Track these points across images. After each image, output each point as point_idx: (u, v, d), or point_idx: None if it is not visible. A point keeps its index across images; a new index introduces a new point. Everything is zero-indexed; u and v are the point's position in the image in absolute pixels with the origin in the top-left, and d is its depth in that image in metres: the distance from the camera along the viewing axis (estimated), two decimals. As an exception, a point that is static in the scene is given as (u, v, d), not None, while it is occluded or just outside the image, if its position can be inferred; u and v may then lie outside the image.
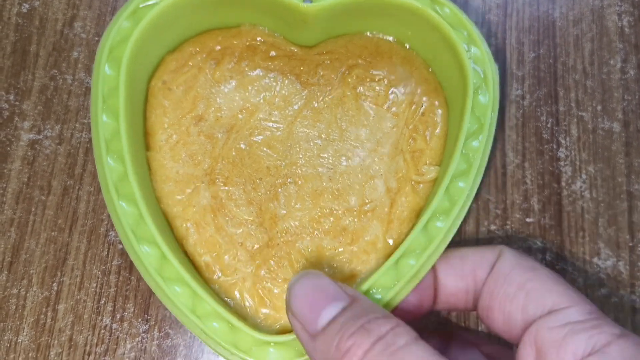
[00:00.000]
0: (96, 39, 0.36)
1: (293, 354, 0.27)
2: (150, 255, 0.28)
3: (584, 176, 0.35)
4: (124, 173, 0.28)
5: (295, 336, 0.26)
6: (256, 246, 0.31)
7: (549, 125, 0.36)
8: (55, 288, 0.32)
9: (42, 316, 0.31)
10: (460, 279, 0.28)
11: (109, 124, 0.29)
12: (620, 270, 0.33)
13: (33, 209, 0.33)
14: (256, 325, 0.29)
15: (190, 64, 0.33)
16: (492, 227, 0.34)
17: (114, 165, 0.28)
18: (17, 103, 0.34)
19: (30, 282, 0.32)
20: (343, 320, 0.22)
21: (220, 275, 0.30)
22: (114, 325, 0.31)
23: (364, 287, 0.28)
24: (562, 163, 0.35)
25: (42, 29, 0.36)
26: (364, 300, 0.24)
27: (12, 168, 0.33)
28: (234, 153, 0.32)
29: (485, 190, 0.34)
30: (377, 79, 0.33)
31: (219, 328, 0.27)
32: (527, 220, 0.34)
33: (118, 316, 0.31)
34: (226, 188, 0.31)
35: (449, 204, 0.29)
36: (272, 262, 0.31)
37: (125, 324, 0.31)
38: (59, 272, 0.32)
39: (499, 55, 0.37)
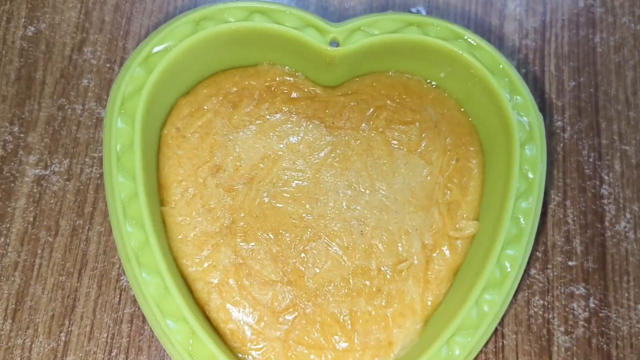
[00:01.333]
0: (107, 65, 0.33)
1: None
2: (178, 331, 0.25)
3: (628, 215, 0.32)
4: (145, 240, 0.25)
5: None
6: (284, 309, 0.28)
7: (591, 160, 0.33)
8: (63, 338, 0.29)
9: (49, 369, 0.29)
10: None
11: (125, 184, 0.25)
12: (668, 318, 0.31)
13: (39, 252, 0.30)
14: None
15: (206, 107, 0.29)
16: (532, 272, 0.31)
17: (134, 232, 0.25)
18: (21, 135, 0.31)
19: (36, 332, 0.29)
20: None
21: (248, 343, 0.27)
22: (127, 380, 0.29)
23: None
24: (605, 201, 0.33)
25: (49, 54, 0.33)
26: None
27: (17, 206, 0.30)
28: (256, 207, 0.29)
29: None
30: (407, 122, 0.30)
31: None
32: (569, 263, 0.31)
33: (131, 369, 0.29)
34: (249, 246, 0.28)
35: (501, 275, 0.26)
36: (302, 327, 0.27)
37: (139, 378, 0.29)
38: (67, 321, 0.29)
39: (537, 84, 0.34)
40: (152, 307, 0.24)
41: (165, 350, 0.29)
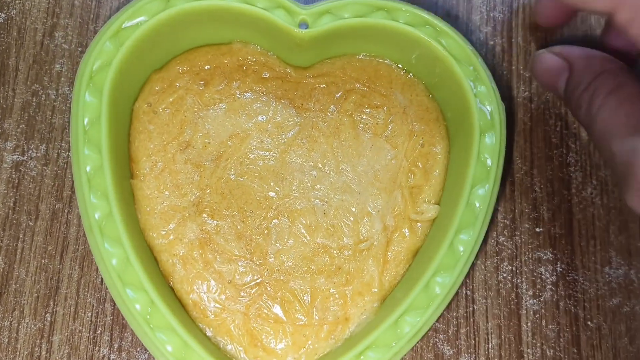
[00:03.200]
0: (79, 49, 0.32)
1: None
2: (137, 300, 0.25)
3: (594, 182, 0.33)
4: (109, 211, 0.25)
5: None
6: (246, 284, 0.28)
7: (558, 129, 0.33)
8: (49, 319, 0.29)
9: (37, 349, 0.29)
10: None
11: (90, 157, 0.26)
12: (632, 279, 0.32)
13: (21, 236, 0.30)
14: None
15: (178, 84, 0.29)
16: (501, 239, 0.32)
17: (98, 203, 0.25)
18: (-2, 122, 0.32)
19: (22, 314, 0.29)
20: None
21: (209, 314, 0.28)
22: (112, 356, 0.29)
23: (364, 343, 0.25)
24: (572, 169, 0.33)
25: (21, 40, 0.33)
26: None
27: (-3, 192, 0.31)
28: (223, 184, 0.29)
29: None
30: (375, 106, 0.30)
31: None
32: (537, 230, 0.32)
33: (116, 346, 0.29)
34: (214, 222, 0.28)
35: (453, 259, 0.26)
36: (263, 302, 0.28)
37: (124, 354, 0.29)
38: (51, 302, 0.30)
39: (505, 56, 0.34)
40: (113, 277, 0.25)
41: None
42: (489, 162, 0.27)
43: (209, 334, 0.28)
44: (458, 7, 0.34)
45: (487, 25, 0.34)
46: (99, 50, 0.27)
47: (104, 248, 0.25)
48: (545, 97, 0.33)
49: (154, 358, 0.29)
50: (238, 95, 0.30)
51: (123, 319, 0.30)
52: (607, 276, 0.32)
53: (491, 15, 0.34)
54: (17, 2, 0.33)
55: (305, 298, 0.28)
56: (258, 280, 0.28)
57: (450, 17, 0.34)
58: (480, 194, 0.27)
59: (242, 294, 0.28)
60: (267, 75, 0.30)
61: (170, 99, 0.29)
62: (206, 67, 0.30)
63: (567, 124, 0.33)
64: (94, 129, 0.26)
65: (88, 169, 0.26)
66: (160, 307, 0.25)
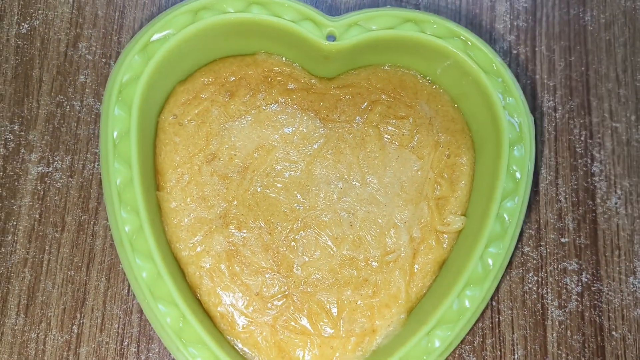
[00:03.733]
0: (103, 60, 0.32)
1: None
2: (168, 314, 0.25)
3: (619, 191, 0.33)
4: (139, 226, 0.25)
5: None
6: (273, 296, 0.28)
7: (582, 138, 0.33)
8: (76, 330, 0.29)
9: (64, 360, 0.30)
10: None
11: (120, 171, 0.26)
12: (658, 289, 0.32)
13: (47, 247, 0.30)
14: None
15: (203, 95, 0.29)
16: (526, 249, 0.32)
17: (128, 217, 0.25)
18: (22, 133, 0.31)
19: (49, 325, 0.29)
20: None
21: (237, 327, 0.28)
22: (139, 368, 0.30)
23: (394, 358, 0.25)
24: (596, 178, 0.33)
25: (45, 51, 0.33)
26: None
27: (22, 204, 0.30)
28: (249, 196, 0.29)
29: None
30: (401, 117, 0.30)
31: None
32: (562, 240, 0.32)
33: (142, 357, 0.29)
34: (241, 233, 0.28)
35: (483, 272, 0.26)
36: (290, 314, 0.28)
37: (151, 366, 0.30)
38: (78, 314, 0.30)
39: (529, 65, 0.34)
40: (145, 291, 0.25)
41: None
42: (517, 174, 0.27)
43: (237, 346, 0.28)
44: (482, 15, 0.34)
45: (510, 34, 0.34)
46: (127, 63, 0.27)
47: (135, 262, 0.25)
48: (569, 106, 0.33)
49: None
50: (264, 107, 0.30)
51: (150, 330, 0.30)
52: (631, 286, 0.32)
53: (515, 24, 0.34)
54: (40, 12, 0.33)
55: (332, 310, 0.28)
56: (285, 292, 0.28)
57: (474, 26, 0.34)
58: (509, 206, 0.27)
59: (269, 306, 0.28)
60: (293, 86, 0.30)
61: (196, 111, 0.29)
62: (231, 79, 0.30)
63: (591, 134, 0.33)
64: (123, 142, 0.26)
65: (118, 182, 0.26)
66: (192, 321, 0.25)
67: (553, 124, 0.33)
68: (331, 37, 0.28)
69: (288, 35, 0.28)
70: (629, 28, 0.35)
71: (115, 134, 0.26)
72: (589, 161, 0.33)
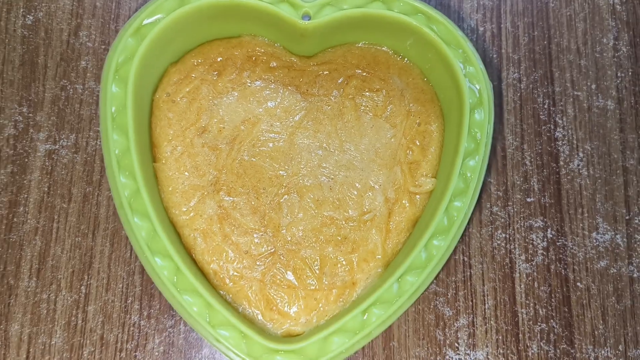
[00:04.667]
0: (102, 47, 0.35)
1: None
2: (165, 267, 0.28)
3: (580, 154, 0.36)
4: (136, 189, 0.28)
5: (300, 345, 0.27)
6: (261, 254, 0.31)
7: (545, 107, 0.36)
8: (84, 291, 0.32)
9: (73, 318, 0.32)
10: None
11: (119, 141, 0.28)
12: (618, 243, 0.34)
13: (56, 217, 0.33)
14: (263, 330, 0.30)
15: (193, 75, 0.32)
16: (495, 209, 0.34)
17: (126, 182, 0.28)
18: (30, 115, 0.34)
19: (59, 287, 0.32)
20: None
21: (228, 282, 0.30)
22: (142, 322, 0.32)
23: (368, 301, 0.28)
24: (559, 143, 0.36)
25: (48, 39, 0.36)
26: None
27: (32, 179, 0.34)
28: (237, 164, 0.32)
29: (486, 173, 0.35)
30: (375, 90, 0.33)
31: (230, 336, 0.28)
32: (528, 200, 0.35)
33: (145, 313, 0.32)
34: (231, 198, 0.31)
35: (448, 224, 0.29)
36: (277, 270, 0.31)
37: (153, 321, 0.32)
38: (85, 276, 0.33)
39: (495, 41, 0.37)
40: (143, 247, 0.28)
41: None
42: (478, 135, 0.30)
43: (228, 299, 0.30)
44: (450, -4, 0.37)
45: (477, 13, 0.37)
46: (122, 45, 0.29)
47: (134, 222, 0.28)
48: (533, 77, 0.36)
49: (179, 324, 0.32)
50: (249, 84, 0.33)
51: (151, 289, 0.33)
52: (594, 241, 0.34)
53: (481, 3, 0.37)
54: (43, 5, 0.36)
55: (315, 265, 0.31)
56: (272, 250, 0.31)
57: (443, 6, 0.37)
58: (471, 164, 0.30)
59: (257, 263, 0.31)
60: (275, 64, 0.33)
61: (187, 89, 0.32)
62: (219, 59, 0.33)
63: (554, 102, 0.36)
64: (120, 116, 0.29)
65: (117, 151, 0.28)
66: (185, 272, 0.28)
67: (518, 94, 0.36)
68: (306, 17, 0.31)
69: (268, 16, 0.31)
70: (588, 4, 0.37)
71: (113, 109, 0.29)
72: (552, 127, 0.35)
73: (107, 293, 0.32)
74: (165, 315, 0.32)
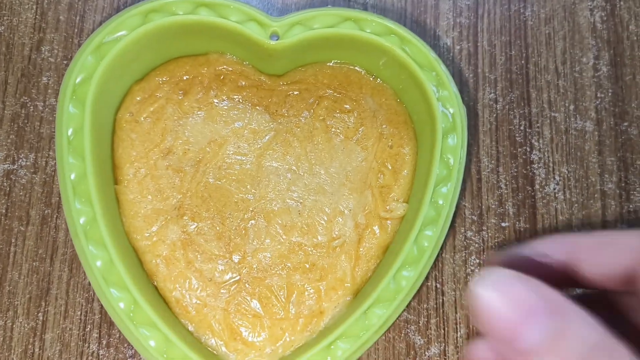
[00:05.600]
0: (65, 62, 0.34)
1: None
2: (121, 299, 0.27)
3: (557, 177, 0.35)
4: (93, 216, 0.27)
5: None
6: (226, 281, 0.30)
7: (522, 128, 0.35)
8: (41, 318, 0.31)
9: (30, 346, 0.30)
10: (611, 262, 0.23)
11: (75, 165, 0.27)
12: (595, 269, 0.34)
13: (13, 240, 0.32)
14: None
15: (158, 94, 0.31)
16: (469, 234, 0.33)
17: (82, 208, 0.27)
18: (-11, 133, 0.33)
19: (15, 313, 0.31)
20: (559, 351, 0.19)
21: (191, 310, 0.29)
22: (101, 352, 0.31)
23: (334, 335, 0.27)
24: (535, 166, 0.35)
25: (9, 54, 0.34)
26: (569, 315, 0.19)
27: (-11, 200, 0.33)
28: (202, 188, 0.30)
29: (460, 196, 0.34)
30: (346, 111, 0.32)
31: None
32: (502, 224, 0.34)
33: (104, 342, 0.31)
34: (195, 223, 0.30)
35: (418, 254, 0.28)
36: (242, 298, 0.30)
37: (112, 350, 0.31)
38: (43, 302, 0.31)
39: (471, 60, 0.36)
40: (98, 278, 0.26)
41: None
42: (451, 161, 0.29)
43: (191, 329, 0.29)
44: (426, 14, 0.36)
45: (453, 31, 0.36)
46: (81, 64, 0.28)
47: (89, 251, 0.27)
48: (510, 97, 0.35)
49: (139, 354, 0.31)
50: (216, 103, 0.32)
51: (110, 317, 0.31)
52: (570, 267, 0.33)
53: (457, 21, 0.36)
54: (5, 18, 0.35)
55: (281, 294, 0.30)
56: (237, 278, 0.30)
57: (419, 24, 0.36)
58: (443, 192, 0.29)
59: (222, 290, 0.30)
60: (243, 83, 0.32)
61: (151, 109, 0.31)
62: (185, 77, 0.32)
63: (530, 123, 0.35)
64: (77, 138, 0.28)
65: (72, 176, 0.27)
66: (142, 304, 0.26)
67: (494, 115, 0.35)
68: (275, 37, 0.30)
69: (235, 35, 0.30)
70: (568, 22, 0.36)
71: (70, 130, 0.28)
72: (529, 149, 0.35)
73: (65, 320, 0.31)
74: (125, 345, 0.31)
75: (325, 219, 0.31)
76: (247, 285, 0.30)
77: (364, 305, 0.27)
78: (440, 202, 0.29)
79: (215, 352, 0.29)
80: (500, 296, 0.19)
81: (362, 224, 0.31)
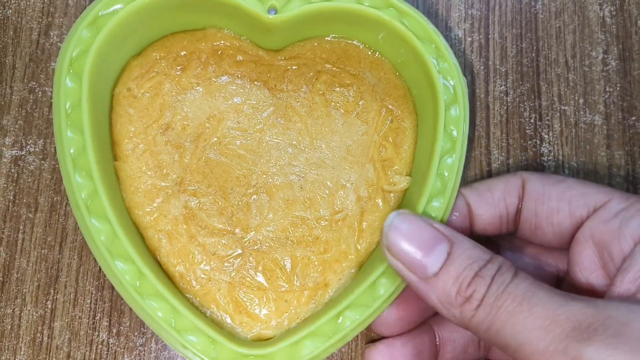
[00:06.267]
0: (74, 48, 0.34)
1: None
2: (126, 271, 0.26)
3: (566, 171, 0.35)
4: (94, 190, 0.26)
5: (271, 350, 0.27)
6: (230, 255, 0.30)
7: (532, 121, 0.35)
8: (50, 306, 0.31)
9: (39, 334, 0.30)
10: (493, 207, 0.29)
11: (74, 139, 0.27)
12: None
13: (21, 227, 0.31)
14: (233, 334, 0.29)
15: (156, 70, 0.31)
16: (479, 225, 0.34)
17: (83, 182, 0.27)
18: (-4, 119, 0.33)
19: (24, 301, 0.31)
20: (457, 269, 0.24)
21: (195, 285, 0.29)
22: (111, 340, 0.31)
23: (342, 305, 0.27)
24: (545, 158, 0.35)
25: (17, 39, 0.34)
26: (462, 242, 0.25)
27: (-3, 186, 0.32)
28: (203, 163, 0.30)
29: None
30: (346, 85, 0.32)
31: (198, 342, 0.26)
32: (513, 217, 0.34)
33: (114, 331, 0.31)
34: (197, 199, 0.30)
35: None
36: (246, 271, 0.30)
37: (122, 338, 0.31)
38: (52, 290, 0.31)
39: (482, 52, 0.36)
40: (102, 250, 0.26)
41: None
42: (454, 133, 0.29)
43: (196, 303, 0.29)
44: (437, 4, 0.36)
45: (465, 22, 0.36)
46: (77, 38, 0.28)
47: (92, 224, 0.26)
48: (520, 90, 0.35)
49: (150, 342, 0.31)
50: (214, 79, 0.31)
51: (121, 305, 0.31)
52: (578, 259, 0.33)
53: (469, 12, 0.36)
54: (12, 2, 0.34)
55: (286, 266, 0.30)
56: (240, 252, 0.30)
57: (430, 15, 0.36)
58: (448, 163, 0.29)
59: (226, 264, 0.30)
60: (241, 58, 0.32)
61: (149, 84, 0.31)
62: (182, 53, 0.31)
63: (540, 116, 0.35)
64: (75, 112, 0.27)
65: (72, 150, 0.27)
66: (149, 275, 0.26)
67: (505, 107, 0.35)
68: (272, 11, 0.30)
69: (232, 10, 0.30)
70: (578, 16, 0.36)
71: (67, 104, 0.27)
72: (539, 142, 0.35)
73: (74, 309, 0.31)
74: (136, 333, 0.31)
75: (327, 192, 0.31)
76: (251, 259, 0.30)
77: (372, 276, 0.27)
78: (446, 173, 0.29)
79: (220, 325, 0.29)
80: (408, 239, 0.25)
81: (364, 197, 0.31)
